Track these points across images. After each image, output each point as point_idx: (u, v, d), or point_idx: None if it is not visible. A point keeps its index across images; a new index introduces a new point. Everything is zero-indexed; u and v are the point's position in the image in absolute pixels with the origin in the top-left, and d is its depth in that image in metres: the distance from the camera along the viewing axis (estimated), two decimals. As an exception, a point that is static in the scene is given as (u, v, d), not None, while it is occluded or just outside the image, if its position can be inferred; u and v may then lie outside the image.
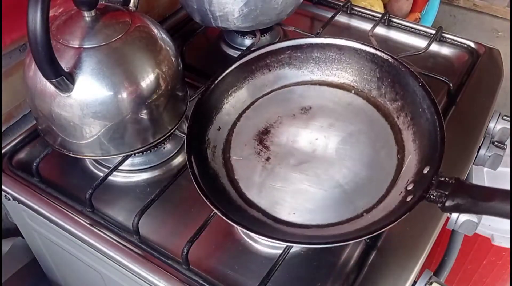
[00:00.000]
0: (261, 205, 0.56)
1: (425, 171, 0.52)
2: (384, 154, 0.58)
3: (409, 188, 0.52)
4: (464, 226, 0.64)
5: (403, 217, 0.48)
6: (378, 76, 0.62)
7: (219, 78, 0.62)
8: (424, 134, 0.56)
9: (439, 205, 0.47)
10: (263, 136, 0.62)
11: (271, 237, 0.49)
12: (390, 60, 0.60)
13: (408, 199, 0.51)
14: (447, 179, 0.48)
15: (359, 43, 0.63)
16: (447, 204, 0.46)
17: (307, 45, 0.64)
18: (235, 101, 0.63)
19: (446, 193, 0.47)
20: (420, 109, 0.57)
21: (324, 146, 0.60)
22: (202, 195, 0.51)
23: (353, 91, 0.63)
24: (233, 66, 0.63)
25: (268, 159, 0.60)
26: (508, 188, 0.44)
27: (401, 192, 0.53)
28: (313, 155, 0.60)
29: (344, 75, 0.64)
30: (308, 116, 0.63)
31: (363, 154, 0.59)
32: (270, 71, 0.65)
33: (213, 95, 0.62)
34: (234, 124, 0.63)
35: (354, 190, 0.56)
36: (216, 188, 0.56)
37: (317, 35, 0.83)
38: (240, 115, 0.64)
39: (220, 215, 0.50)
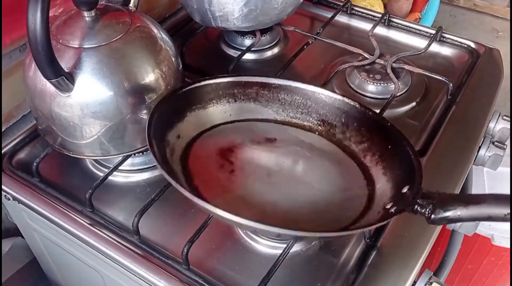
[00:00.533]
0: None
1: (404, 190, 0.51)
2: (355, 185, 0.57)
3: (388, 206, 0.51)
4: (464, 226, 0.64)
5: (394, 216, 0.48)
6: (343, 121, 0.62)
7: (186, 88, 0.60)
8: (395, 166, 0.55)
9: (427, 214, 0.46)
10: (226, 153, 0.60)
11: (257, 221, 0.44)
12: (357, 106, 0.60)
13: (392, 210, 0.50)
14: (430, 191, 0.47)
15: (327, 90, 0.62)
16: (435, 213, 0.45)
17: (275, 85, 0.63)
18: (197, 118, 0.61)
19: (434, 201, 0.46)
20: (390, 146, 0.57)
21: (292, 168, 0.59)
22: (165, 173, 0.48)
23: (317, 133, 0.63)
24: (201, 83, 0.61)
25: (232, 171, 0.58)
26: (508, 188, 0.44)
27: (379, 211, 0.52)
28: (281, 173, 0.58)
29: (309, 119, 0.64)
30: (274, 144, 0.62)
31: (333, 181, 0.58)
32: (235, 101, 0.64)
33: (179, 101, 0.59)
34: (194, 139, 0.60)
35: (329, 208, 0.55)
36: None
37: (317, 34, 0.83)
38: (201, 134, 0.61)
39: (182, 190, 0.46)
